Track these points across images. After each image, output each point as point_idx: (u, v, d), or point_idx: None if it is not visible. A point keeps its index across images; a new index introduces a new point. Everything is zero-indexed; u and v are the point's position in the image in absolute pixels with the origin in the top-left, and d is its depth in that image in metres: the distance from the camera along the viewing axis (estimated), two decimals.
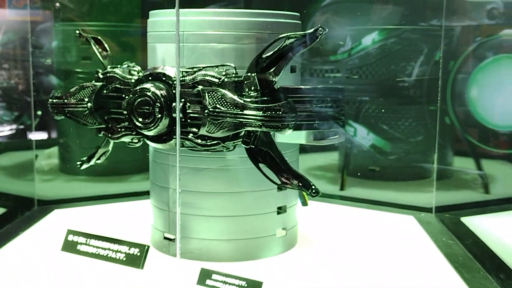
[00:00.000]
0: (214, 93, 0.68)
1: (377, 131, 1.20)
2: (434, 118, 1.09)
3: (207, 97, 0.68)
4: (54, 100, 0.79)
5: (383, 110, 1.19)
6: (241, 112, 0.67)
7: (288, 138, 0.73)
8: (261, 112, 0.66)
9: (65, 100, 0.78)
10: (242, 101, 0.67)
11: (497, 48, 1.11)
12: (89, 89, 0.76)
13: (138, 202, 1.07)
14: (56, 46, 1.21)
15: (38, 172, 1.16)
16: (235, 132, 0.69)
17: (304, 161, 1.40)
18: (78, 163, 0.83)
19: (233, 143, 0.71)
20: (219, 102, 0.68)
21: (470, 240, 0.88)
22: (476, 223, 0.98)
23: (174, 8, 0.67)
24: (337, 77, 1.22)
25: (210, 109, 0.68)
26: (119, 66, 0.77)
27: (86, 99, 0.76)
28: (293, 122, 0.67)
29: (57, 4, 1.20)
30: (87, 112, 0.76)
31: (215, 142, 0.70)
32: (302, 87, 0.72)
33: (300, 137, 0.74)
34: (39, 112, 1.18)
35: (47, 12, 1.21)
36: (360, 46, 1.19)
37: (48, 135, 1.27)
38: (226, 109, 0.67)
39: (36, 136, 1.18)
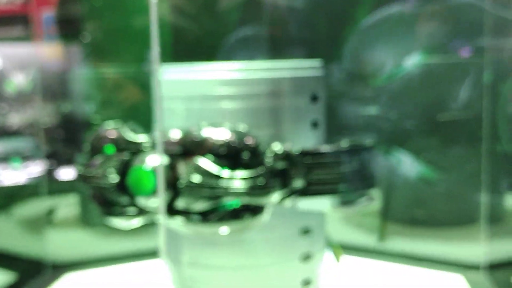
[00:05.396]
0: (188, 162, 0.60)
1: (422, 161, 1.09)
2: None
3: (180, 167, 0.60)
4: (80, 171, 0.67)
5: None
6: (217, 183, 0.59)
7: (311, 205, 0.64)
8: (241, 181, 0.58)
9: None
10: (217, 171, 0.59)
11: None
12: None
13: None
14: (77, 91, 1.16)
15: (55, 225, 1.10)
16: (217, 202, 0.60)
17: None
18: None
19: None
20: (193, 172, 0.59)
21: None
22: None
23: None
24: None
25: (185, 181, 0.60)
26: None
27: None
28: (277, 186, 0.59)
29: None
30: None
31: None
32: (323, 150, 0.63)
33: (325, 204, 0.65)
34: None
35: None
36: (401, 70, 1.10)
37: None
38: (202, 180, 0.59)
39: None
